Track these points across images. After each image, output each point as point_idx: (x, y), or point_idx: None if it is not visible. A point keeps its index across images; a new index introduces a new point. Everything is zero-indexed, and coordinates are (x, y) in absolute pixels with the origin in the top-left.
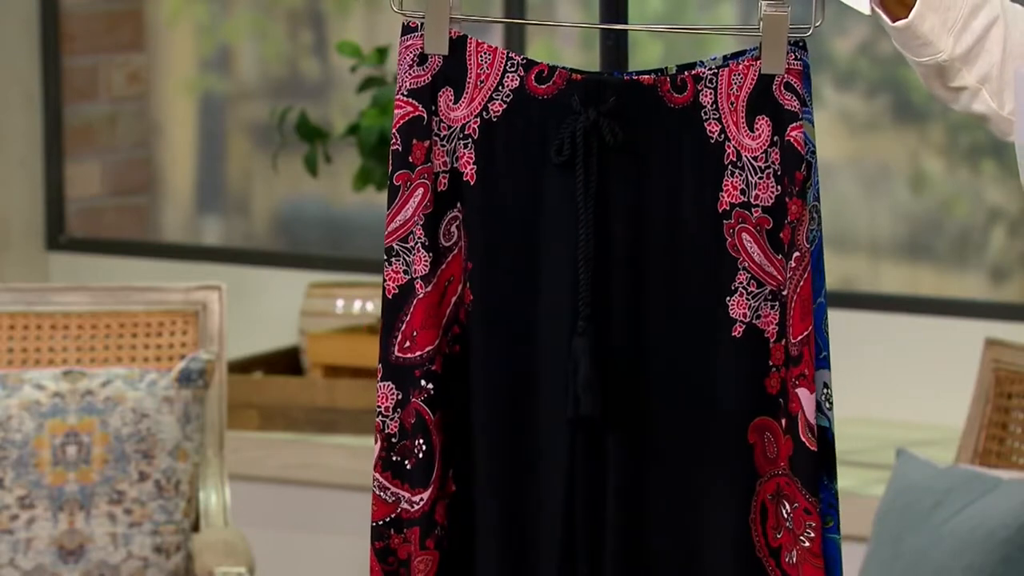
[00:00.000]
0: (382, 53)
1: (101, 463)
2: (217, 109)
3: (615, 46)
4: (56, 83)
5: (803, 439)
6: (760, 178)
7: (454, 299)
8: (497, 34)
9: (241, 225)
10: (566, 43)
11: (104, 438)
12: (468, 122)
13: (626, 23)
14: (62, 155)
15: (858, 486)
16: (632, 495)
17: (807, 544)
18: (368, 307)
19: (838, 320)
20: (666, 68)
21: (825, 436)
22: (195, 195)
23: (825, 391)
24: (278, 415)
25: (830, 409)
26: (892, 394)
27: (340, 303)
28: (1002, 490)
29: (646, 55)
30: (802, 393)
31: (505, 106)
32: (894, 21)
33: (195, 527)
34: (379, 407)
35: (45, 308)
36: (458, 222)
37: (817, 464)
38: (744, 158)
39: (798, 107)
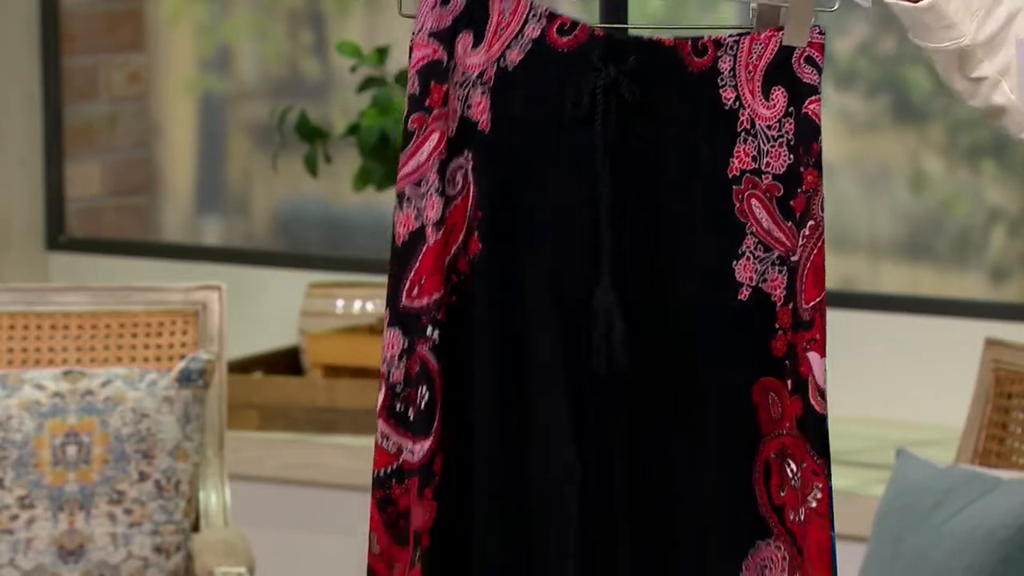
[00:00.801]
0: (382, 53)
1: (101, 463)
2: (217, 109)
3: None
4: (56, 83)
5: (812, 402)
6: (772, 146)
7: (455, 248)
8: None
9: (241, 225)
10: None
11: (104, 438)
12: (485, 69)
13: (626, 23)
14: (62, 155)
15: (858, 486)
16: (640, 451)
17: (814, 504)
18: (368, 307)
19: (838, 320)
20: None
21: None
22: (195, 195)
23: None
24: (278, 415)
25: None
26: (892, 394)
27: (340, 303)
28: (1002, 490)
29: None
30: (813, 357)
31: (523, 56)
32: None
33: (195, 527)
34: (385, 355)
35: (45, 308)
36: (463, 170)
37: (825, 427)
38: (758, 126)
39: (817, 81)
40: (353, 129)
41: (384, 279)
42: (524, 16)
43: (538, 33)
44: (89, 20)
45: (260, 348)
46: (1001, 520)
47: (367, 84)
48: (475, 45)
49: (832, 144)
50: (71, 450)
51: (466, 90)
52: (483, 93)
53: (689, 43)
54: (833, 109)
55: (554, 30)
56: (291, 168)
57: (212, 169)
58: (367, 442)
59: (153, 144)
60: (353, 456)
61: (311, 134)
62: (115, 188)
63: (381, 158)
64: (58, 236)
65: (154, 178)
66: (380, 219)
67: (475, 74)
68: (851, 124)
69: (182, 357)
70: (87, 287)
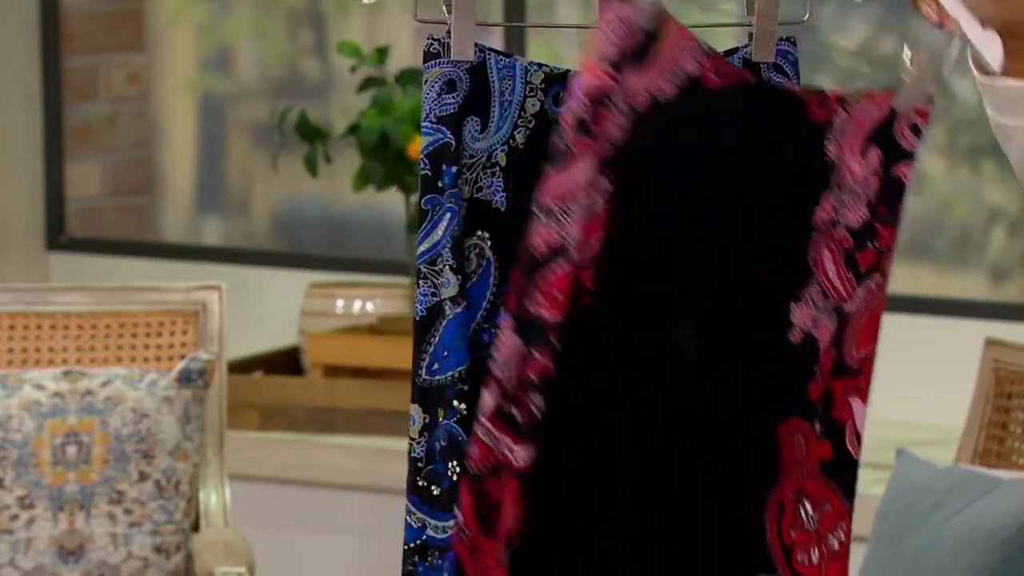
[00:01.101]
0: (382, 53)
1: (101, 463)
2: (217, 109)
3: None
4: (56, 83)
5: (849, 447)
6: (852, 200)
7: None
8: (497, 36)
9: (241, 225)
10: (567, 44)
11: (104, 438)
12: (639, 97)
13: None
14: (62, 155)
15: (858, 486)
16: (661, 478)
17: (836, 546)
18: (368, 307)
19: None
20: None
21: None
22: (195, 195)
23: None
24: (278, 415)
25: None
26: (892, 394)
27: (340, 303)
28: (1002, 490)
29: None
30: (856, 403)
31: (677, 91)
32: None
33: (195, 527)
34: (498, 357)
35: (45, 308)
36: (603, 191)
37: (857, 472)
38: (847, 180)
39: (916, 148)
40: (353, 129)
41: (384, 279)
42: (688, 50)
43: (695, 71)
44: (89, 20)
45: (260, 348)
46: (1001, 520)
47: (367, 84)
48: (637, 71)
49: None
50: (71, 450)
51: (621, 117)
52: (631, 120)
53: (817, 95)
54: None
55: (710, 70)
56: (291, 168)
57: (212, 169)
58: (367, 442)
59: (153, 144)
60: (353, 456)
61: (311, 134)
62: (115, 188)
63: (381, 158)
64: (58, 236)
65: (154, 178)
66: (380, 219)
67: (630, 101)
68: None
69: (182, 357)
70: (87, 287)
